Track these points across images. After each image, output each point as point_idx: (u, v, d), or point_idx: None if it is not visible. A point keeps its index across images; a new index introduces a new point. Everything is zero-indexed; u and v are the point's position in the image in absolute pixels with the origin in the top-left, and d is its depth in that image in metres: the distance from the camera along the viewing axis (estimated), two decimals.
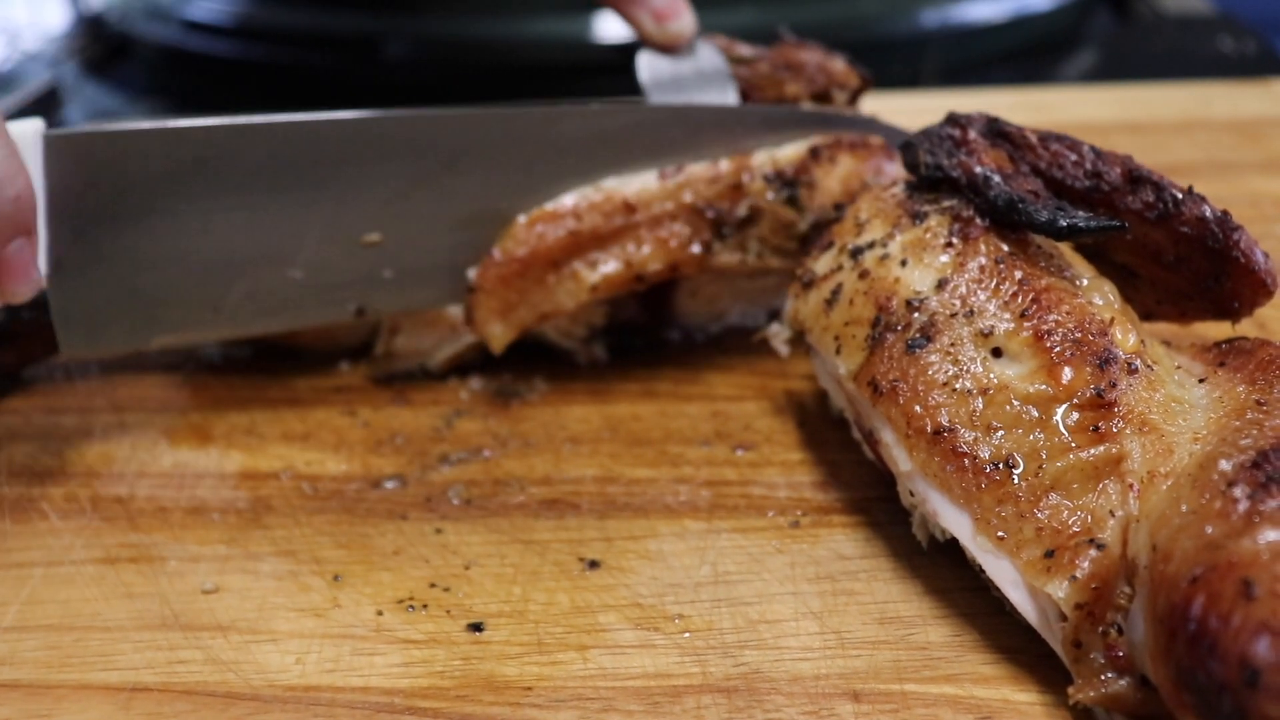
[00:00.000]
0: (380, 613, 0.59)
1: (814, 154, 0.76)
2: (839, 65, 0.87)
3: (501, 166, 0.72)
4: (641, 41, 0.85)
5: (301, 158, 0.68)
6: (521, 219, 0.72)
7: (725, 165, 0.74)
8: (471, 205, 0.72)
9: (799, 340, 0.71)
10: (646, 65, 0.84)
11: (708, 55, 0.85)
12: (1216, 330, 0.70)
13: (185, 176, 0.67)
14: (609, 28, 1.30)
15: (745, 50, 0.87)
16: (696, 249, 0.74)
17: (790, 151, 0.76)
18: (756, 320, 0.84)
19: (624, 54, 0.89)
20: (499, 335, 0.72)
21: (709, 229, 0.74)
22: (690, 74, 0.84)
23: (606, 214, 0.72)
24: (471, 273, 0.72)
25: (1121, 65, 1.43)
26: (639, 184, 0.73)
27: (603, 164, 0.73)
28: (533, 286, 0.72)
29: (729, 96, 0.84)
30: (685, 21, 0.84)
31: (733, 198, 0.74)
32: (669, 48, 0.84)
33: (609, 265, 0.73)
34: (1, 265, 0.63)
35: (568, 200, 0.72)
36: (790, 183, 0.75)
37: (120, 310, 0.69)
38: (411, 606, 0.59)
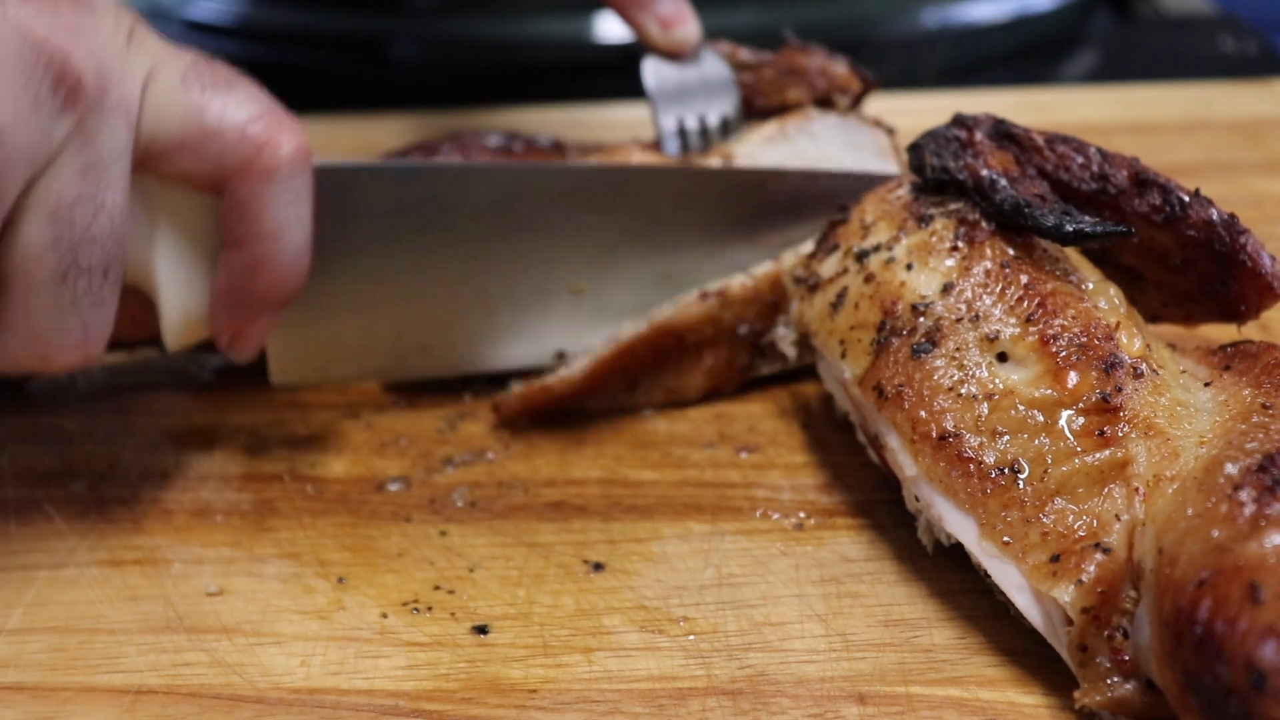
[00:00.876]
0: (385, 615, 0.59)
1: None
2: (840, 69, 0.87)
3: (706, 225, 0.74)
4: (646, 48, 0.85)
5: (524, 205, 0.70)
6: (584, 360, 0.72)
7: (762, 282, 0.74)
8: (673, 261, 0.74)
9: (804, 342, 0.71)
10: (652, 72, 0.84)
11: (712, 63, 0.86)
12: (1222, 333, 0.70)
13: (408, 217, 0.68)
14: (611, 28, 1.30)
15: (748, 56, 0.87)
16: (734, 373, 0.75)
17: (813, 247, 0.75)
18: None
19: (626, 54, 0.89)
20: (518, 426, 0.73)
21: (749, 352, 0.74)
22: (695, 82, 0.84)
23: (657, 349, 0.72)
24: (516, 387, 0.72)
25: (1122, 65, 1.42)
26: (683, 311, 0.73)
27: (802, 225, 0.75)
28: (569, 405, 0.72)
29: (733, 105, 0.84)
30: (691, 28, 0.84)
31: (771, 316, 0.74)
32: (675, 54, 0.84)
33: (651, 391, 0.74)
34: (249, 331, 0.64)
35: (625, 339, 0.72)
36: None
37: (333, 345, 0.71)
38: (416, 609, 0.59)
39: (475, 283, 0.71)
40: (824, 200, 0.74)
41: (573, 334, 0.75)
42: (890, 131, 0.87)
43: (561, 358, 0.75)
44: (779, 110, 0.86)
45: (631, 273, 0.74)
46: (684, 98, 0.84)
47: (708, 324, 0.73)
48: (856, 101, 0.88)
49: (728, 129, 0.85)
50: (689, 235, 0.74)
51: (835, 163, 0.85)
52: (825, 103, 0.87)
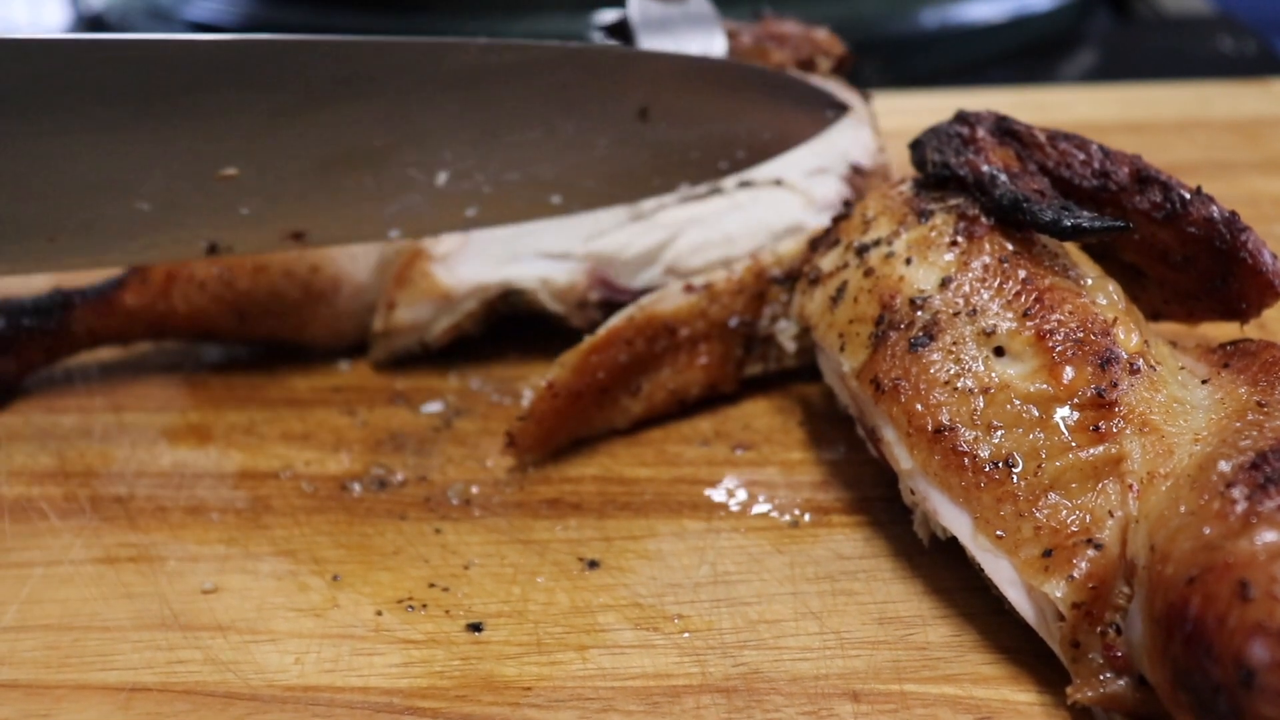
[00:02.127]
0: (379, 613, 0.59)
1: (813, 247, 0.74)
2: (822, 34, 0.89)
3: (376, 102, 0.66)
4: None
5: (156, 82, 0.62)
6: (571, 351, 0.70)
7: (745, 275, 0.74)
8: (340, 143, 0.67)
9: (805, 336, 0.71)
10: (637, 3, 0.83)
11: (698, 3, 0.85)
12: (1223, 331, 0.70)
13: (23, 94, 0.60)
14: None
15: (728, 24, 0.87)
16: (730, 368, 0.75)
17: (790, 247, 0.75)
18: None
19: None
20: (536, 460, 0.71)
21: (740, 344, 0.74)
22: (679, 17, 0.84)
23: (650, 338, 0.71)
24: (526, 400, 0.71)
25: (1121, 65, 1.43)
26: (671, 302, 0.72)
27: (484, 105, 0.69)
28: (576, 416, 0.71)
29: (717, 43, 0.83)
30: None
31: (757, 307, 0.74)
32: None
33: (654, 395, 0.73)
34: None
35: (615, 322, 0.70)
36: (797, 279, 0.74)
37: None
38: (411, 606, 0.59)
39: (107, 167, 0.63)
40: (508, 72, 0.68)
41: (225, 226, 0.67)
42: (866, 96, 0.89)
43: (213, 250, 0.68)
44: None
45: (288, 156, 0.66)
46: (666, 31, 0.83)
47: (697, 317, 0.73)
48: (838, 66, 0.89)
49: None
50: (354, 114, 0.66)
51: None
52: (806, 66, 0.88)
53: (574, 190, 0.73)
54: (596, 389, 0.70)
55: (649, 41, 0.82)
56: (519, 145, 0.71)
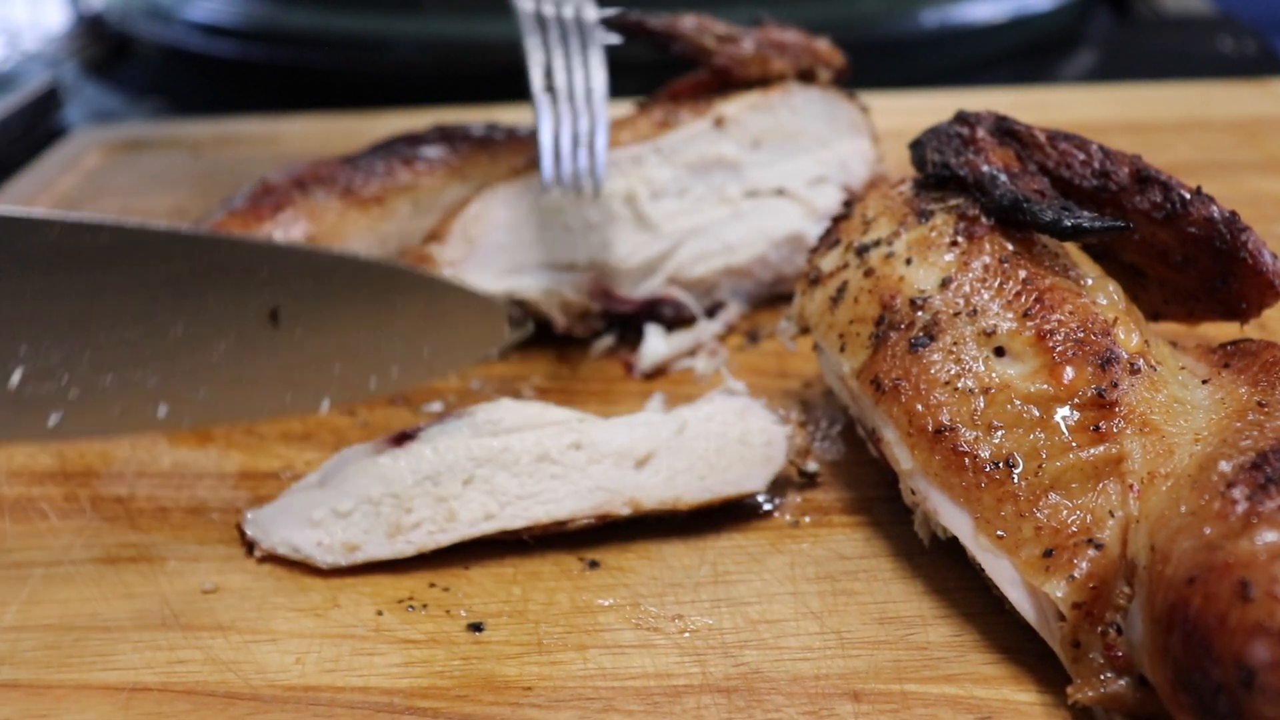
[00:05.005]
0: (380, 612, 0.59)
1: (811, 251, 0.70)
2: (823, 45, 0.89)
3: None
4: None
5: None
6: None
7: None
8: None
9: (807, 333, 0.71)
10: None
11: None
12: (1223, 332, 0.70)
13: None
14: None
15: (722, 29, 0.87)
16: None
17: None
18: (747, 294, 0.87)
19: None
20: None
21: None
22: None
23: None
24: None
25: (1121, 65, 1.43)
26: None
27: (69, 294, 0.56)
28: None
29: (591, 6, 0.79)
30: None
31: None
32: None
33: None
34: None
35: None
36: None
37: None
38: (411, 606, 0.59)
39: None
40: (101, 257, 0.56)
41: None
42: (864, 109, 0.90)
43: None
44: (760, 82, 0.87)
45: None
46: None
47: None
48: (836, 78, 0.89)
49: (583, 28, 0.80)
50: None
51: (814, 136, 0.87)
52: (807, 77, 0.88)
53: (183, 401, 0.60)
54: None
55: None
56: (113, 344, 0.58)
